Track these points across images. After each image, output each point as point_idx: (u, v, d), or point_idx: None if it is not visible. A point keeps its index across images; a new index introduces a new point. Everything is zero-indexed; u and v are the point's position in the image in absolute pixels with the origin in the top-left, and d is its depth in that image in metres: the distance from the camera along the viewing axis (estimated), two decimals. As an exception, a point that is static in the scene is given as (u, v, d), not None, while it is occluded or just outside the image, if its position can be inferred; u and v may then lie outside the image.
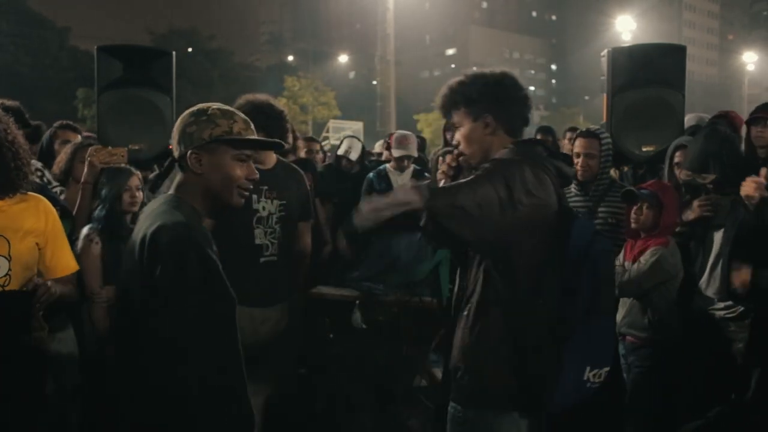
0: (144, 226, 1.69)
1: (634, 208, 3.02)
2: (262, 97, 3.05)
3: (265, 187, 2.95)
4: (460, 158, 2.03)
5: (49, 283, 1.97)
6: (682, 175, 3.17)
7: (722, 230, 2.96)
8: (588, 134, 3.32)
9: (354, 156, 4.89)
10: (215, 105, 1.80)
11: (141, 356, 1.68)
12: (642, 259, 2.96)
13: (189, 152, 1.73)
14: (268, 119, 2.89)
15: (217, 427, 1.68)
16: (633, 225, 3.04)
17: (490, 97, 1.92)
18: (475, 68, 2.14)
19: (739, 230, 2.71)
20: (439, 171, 2.11)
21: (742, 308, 2.85)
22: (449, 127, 6.58)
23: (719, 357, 2.95)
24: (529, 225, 1.80)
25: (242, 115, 1.82)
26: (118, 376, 1.84)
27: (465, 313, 1.89)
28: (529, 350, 1.80)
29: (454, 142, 2.03)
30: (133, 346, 1.72)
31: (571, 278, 1.79)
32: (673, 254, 2.99)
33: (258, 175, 1.83)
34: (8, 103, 3.02)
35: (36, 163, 2.66)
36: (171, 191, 1.80)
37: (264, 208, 2.95)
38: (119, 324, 1.89)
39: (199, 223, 1.75)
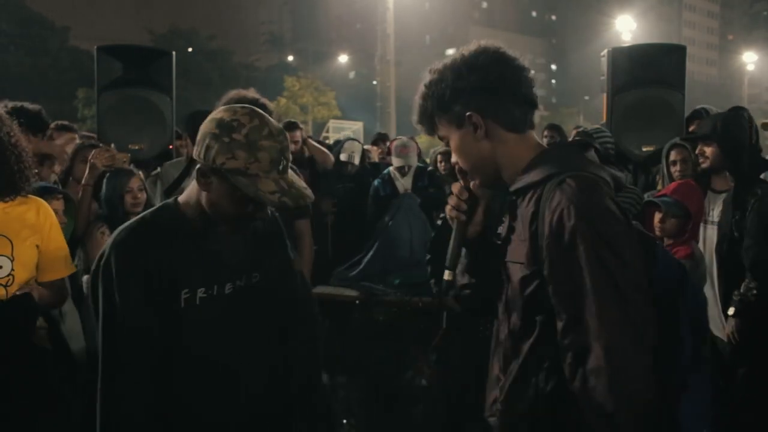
0: None
1: (658, 216, 2.97)
2: (251, 93, 3.02)
3: None
4: (471, 184, 1.47)
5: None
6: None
7: (715, 226, 3.08)
8: (582, 135, 3.34)
9: (357, 160, 4.91)
10: (249, 124, 1.49)
11: None
12: None
13: (199, 166, 1.51)
14: None
15: None
16: (658, 233, 2.97)
17: (466, 90, 1.38)
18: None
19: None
20: (448, 208, 1.52)
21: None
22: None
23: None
24: None
25: (271, 151, 1.49)
26: None
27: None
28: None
29: (453, 162, 1.51)
30: None
31: (671, 321, 1.34)
32: (699, 264, 2.95)
33: (267, 214, 1.67)
34: (29, 106, 3.02)
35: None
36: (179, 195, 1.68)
37: None
38: None
39: (166, 233, 1.57)
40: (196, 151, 1.52)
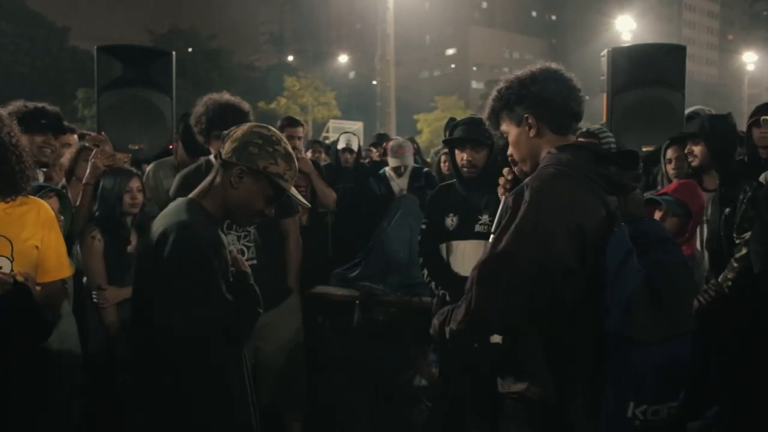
0: (157, 226, 1.85)
1: (659, 215, 2.95)
2: (226, 96, 3.03)
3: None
4: (515, 168, 1.92)
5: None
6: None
7: (705, 224, 3.10)
8: (587, 135, 3.33)
9: (354, 147, 4.93)
10: (284, 140, 1.94)
11: (152, 350, 1.83)
12: None
13: (238, 166, 1.85)
14: (235, 119, 2.86)
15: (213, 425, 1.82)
16: None
17: (527, 97, 1.78)
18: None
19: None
20: (500, 186, 2.04)
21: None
22: (449, 126, 6.58)
23: (704, 350, 2.96)
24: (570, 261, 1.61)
25: (296, 168, 1.95)
26: (134, 370, 2.00)
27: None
28: (569, 376, 1.66)
29: (509, 153, 1.92)
30: (146, 338, 1.86)
31: (605, 297, 1.58)
32: (699, 265, 2.94)
33: (273, 214, 2.00)
34: (49, 107, 3.03)
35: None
36: (192, 194, 1.94)
37: None
38: (135, 319, 2.01)
39: (208, 227, 1.85)
40: (235, 155, 1.86)
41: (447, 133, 6.07)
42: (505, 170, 2.01)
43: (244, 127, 1.93)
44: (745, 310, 2.74)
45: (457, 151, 2.95)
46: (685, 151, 3.21)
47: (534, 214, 1.59)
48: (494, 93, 1.87)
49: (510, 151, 1.88)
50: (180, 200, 1.93)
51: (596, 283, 1.58)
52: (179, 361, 1.78)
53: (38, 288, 2.07)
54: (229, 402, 1.87)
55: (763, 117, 3.22)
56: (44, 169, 3.02)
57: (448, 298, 2.82)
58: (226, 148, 1.89)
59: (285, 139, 1.94)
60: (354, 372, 3.79)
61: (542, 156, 1.77)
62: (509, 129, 1.85)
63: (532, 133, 1.79)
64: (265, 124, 1.98)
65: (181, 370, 1.79)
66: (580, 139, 3.30)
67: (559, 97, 1.77)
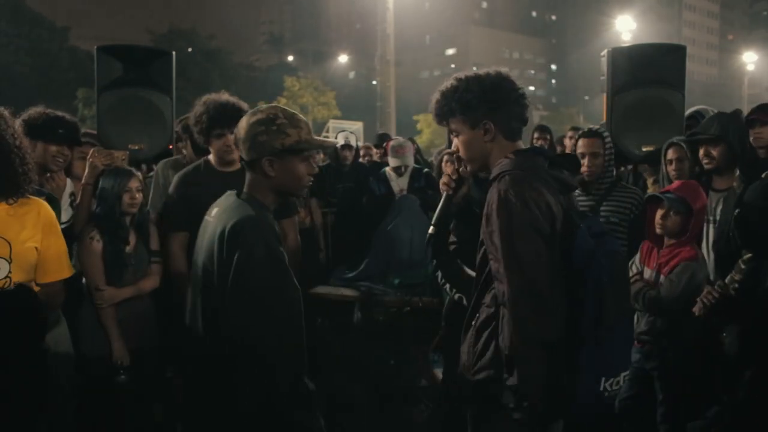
0: (222, 219, 1.95)
1: (660, 213, 2.93)
2: (225, 96, 3.05)
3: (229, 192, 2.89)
4: (460, 169, 2.03)
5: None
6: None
7: (715, 225, 3.06)
8: (591, 134, 3.30)
9: (354, 143, 4.94)
10: (280, 110, 2.01)
11: (219, 336, 1.93)
12: (673, 277, 2.84)
13: (263, 159, 1.96)
14: (235, 119, 2.87)
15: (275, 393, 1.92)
16: (659, 231, 2.94)
17: (487, 103, 1.85)
18: (474, 68, 2.00)
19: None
20: (441, 182, 2.11)
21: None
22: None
23: (705, 351, 2.94)
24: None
25: (303, 119, 2.03)
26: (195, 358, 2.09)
27: (477, 319, 1.92)
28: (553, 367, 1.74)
29: (453, 149, 1.99)
30: (211, 327, 1.98)
31: (577, 288, 1.72)
32: (702, 266, 2.91)
33: (316, 169, 2.09)
34: (68, 117, 3.07)
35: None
36: (244, 192, 2.05)
37: None
38: (194, 310, 2.09)
39: (267, 218, 1.97)
40: (254, 152, 1.96)
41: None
42: (450, 168, 2.11)
43: (242, 125, 2.00)
44: (749, 311, 2.73)
45: None
46: (701, 153, 3.15)
47: (509, 217, 1.72)
48: (446, 90, 1.91)
49: (456, 148, 1.96)
50: (234, 196, 2.03)
51: (571, 278, 1.72)
52: (251, 362, 1.87)
53: (37, 289, 2.07)
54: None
55: None
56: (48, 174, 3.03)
57: (464, 302, 2.80)
58: (242, 151, 2.00)
59: (281, 108, 2.02)
60: (354, 372, 3.79)
61: (494, 159, 1.87)
62: (461, 129, 1.91)
63: (487, 137, 1.87)
64: (255, 109, 2.05)
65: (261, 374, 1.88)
66: (583, 139, 3.29)
67: (515, 106, 1.88)
